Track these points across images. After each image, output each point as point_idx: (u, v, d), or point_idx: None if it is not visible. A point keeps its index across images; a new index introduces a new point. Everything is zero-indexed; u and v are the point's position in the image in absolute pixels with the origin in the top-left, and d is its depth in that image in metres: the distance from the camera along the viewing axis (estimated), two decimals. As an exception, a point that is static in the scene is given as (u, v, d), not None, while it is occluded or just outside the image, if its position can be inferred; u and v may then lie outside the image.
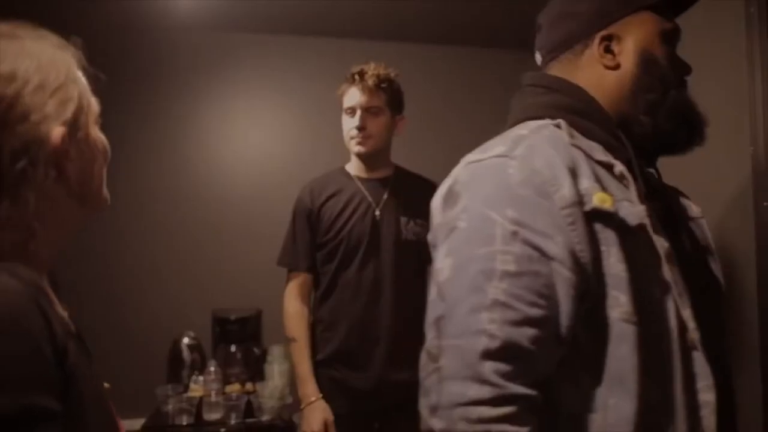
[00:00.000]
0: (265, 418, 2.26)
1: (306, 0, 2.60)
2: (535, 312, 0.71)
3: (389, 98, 1.87)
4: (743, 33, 1.76)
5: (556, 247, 0.72)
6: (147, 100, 2.90)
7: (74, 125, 0.68)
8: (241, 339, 2.65)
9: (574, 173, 0.76)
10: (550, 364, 0.73)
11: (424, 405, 0.74)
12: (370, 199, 1.88)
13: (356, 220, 1.84)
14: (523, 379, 0.69)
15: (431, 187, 2.05)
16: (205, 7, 2.66)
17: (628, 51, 0.89)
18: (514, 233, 0.73)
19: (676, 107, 0.88)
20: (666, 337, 0.76)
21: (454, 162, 1.09)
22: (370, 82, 1.82)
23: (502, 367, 0.68)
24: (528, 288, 0.71)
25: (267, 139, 3.00)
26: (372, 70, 1.84)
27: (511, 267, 0.71)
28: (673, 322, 0.76)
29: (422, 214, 1.94)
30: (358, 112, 1.82)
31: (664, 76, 0.88)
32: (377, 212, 1.86)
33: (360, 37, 3.02)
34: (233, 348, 2.62)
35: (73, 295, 2.70)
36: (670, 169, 1.08)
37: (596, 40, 0.90)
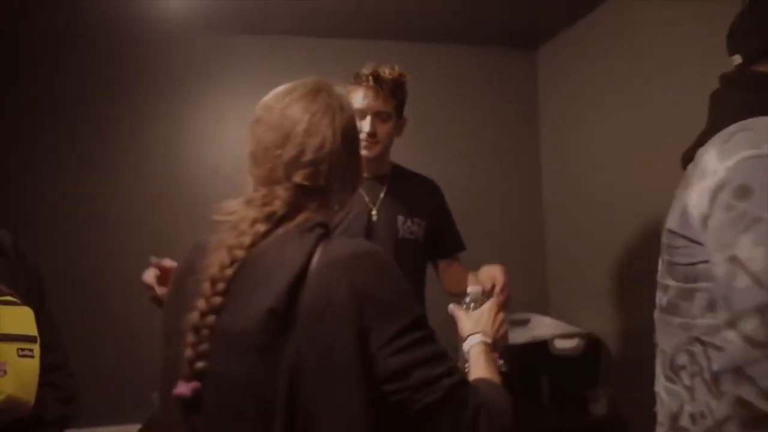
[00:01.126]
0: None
1: (299, 0, 2.58)
2: None
3: (399, 103, 1.84)
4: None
5: None
6: (137, 104, 2.87)
7: None
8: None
9: None
10: None
11: (751, 393, 0.79)
12: (366, 198, 1.85)
13: (351, 221, 1.81)
14: None
15: (429, 185, 2.03)
16: (197, 8, 2.63)
17: None
18: None
19: None
20: None
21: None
22: (386, 87, 1.77)
23: None
24: None
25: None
26: (388, 74, 1.78)
27: None
28: None
29: (420, 212, 1.91)
30: (369, 117, 1.77)
31: None
32: (374, 212, 1.84)
33: (355, 36, 3.00)
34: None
35: (70, 295, 2.71)
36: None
37: None
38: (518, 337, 2.63)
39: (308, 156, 0.88)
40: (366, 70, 1.78)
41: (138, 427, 2.36)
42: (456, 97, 3.15)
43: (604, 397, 2.48)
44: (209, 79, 2.94)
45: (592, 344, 2.58)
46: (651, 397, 2.39)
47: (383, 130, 1.79)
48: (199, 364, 0.78)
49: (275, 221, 0.85)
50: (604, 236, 2.69)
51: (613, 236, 2.62)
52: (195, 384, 0.77)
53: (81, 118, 2.81)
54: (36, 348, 1.25)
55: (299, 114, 0.91)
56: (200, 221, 3.00)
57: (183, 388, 0.77)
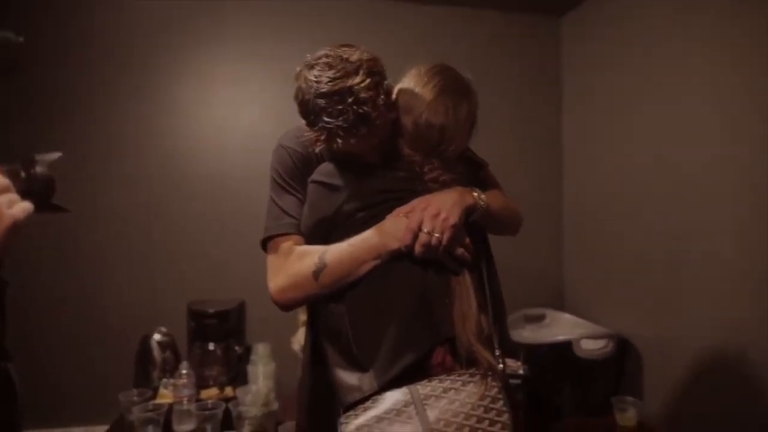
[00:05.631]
0: (246, 429, 1.93)
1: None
2: None
3: (385, 104, 1.10)
4: None
5: None
6: (116, 69, 2.53)
7: None
8: (221, 336, 2.31)
9: None
10: None
11: None
12: None
13: None
14: None
15: None
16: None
17: None
18: None
19: None
20: None
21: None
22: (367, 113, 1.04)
23: None
24: None
25: (254, 112, 2.65)
26: (354, 90, 1.02)
27: None
28: None
29: None
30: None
31: None
32: None
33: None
34: (211, 346, 2.29)
35: (32, 284, 2.38)
36: None
37: None
38: (539, 336, 2.34)
39: None
40: (313, 102, 1.03)
41: (104, 428, 2.07)
42: (474, 63, 2.80)
43: (632, 406, 2.20)
44: (195, 43, 2.60)
45: (620, 346, 2.30)
46: (684, 407, 2.14)
47: (377, 139, 1.11)
48: None
49: None
50: (631, 224, 2.39)
51: (641, 224, 2.33)
52: None
53: (53, 88, 2.46)
54: None
55: None
56: (181, 198, 2.68)
57: None
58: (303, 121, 1.11)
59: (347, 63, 1.03)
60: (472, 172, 1.23)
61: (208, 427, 1.89)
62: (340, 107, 1.02)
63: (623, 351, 2.33)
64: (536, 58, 2.94)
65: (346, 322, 1.04)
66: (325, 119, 1.03)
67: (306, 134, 1.12)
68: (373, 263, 1.05)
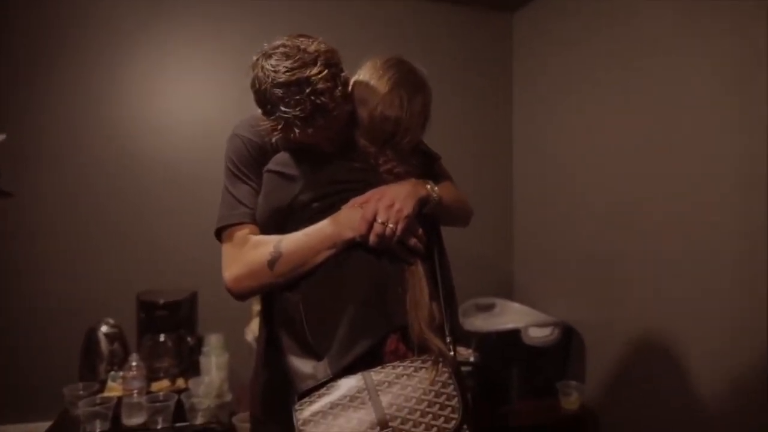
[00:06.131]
0: (199, 421, 1.91)
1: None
2: None
3: (342, 95, 1.11)
4: None
5: None
6: (65, 53, 2.41)
7: None
8: (172, 327, 2.27)
9: None
10: None
11: None
12: None
13: None
14: None
15: None
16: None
17: None
18: None
19: None
20: None
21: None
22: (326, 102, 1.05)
23: None
24: None
25: (202, 97, 2.59)
26: (312, 80, 1.02)
27: None
28: None
29: None
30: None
31: None
32: None
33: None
34: (162, 337, 2.25)
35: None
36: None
37: None
38: (489, 324, 2.42)
39: None
40: (270, 91, 1.03)
41: (47, 425, 2.00)
42: (426, 56, 2.85)
43: (575, 390, 2.31)
44: (143, 25, 2.52)
45: (565, 334, 2.40)
46: (623, 390, 2.27)
47: (333, 130, 1.12)
48: None
49: None
50: (578, 217, 2.50)
51: (587, 218, 2.43)
52: None
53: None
54: None
55: None
56: (129, 186, 2.60)
57: None
58: (258, 110, 1.10)
59: (305, 53, 1.04)
60: (426, 165, 1.25)
61: (160, 420, 1.86)
62: (297, 97, 1.02)
63: (568, 338, 2.44)
64: (488, 53, 3.00)
65: (301, 311, 1.05)
66: (283, 109, 1.03)
67: (262, 123, 1.11)
68: (328, 253, 1.06)
